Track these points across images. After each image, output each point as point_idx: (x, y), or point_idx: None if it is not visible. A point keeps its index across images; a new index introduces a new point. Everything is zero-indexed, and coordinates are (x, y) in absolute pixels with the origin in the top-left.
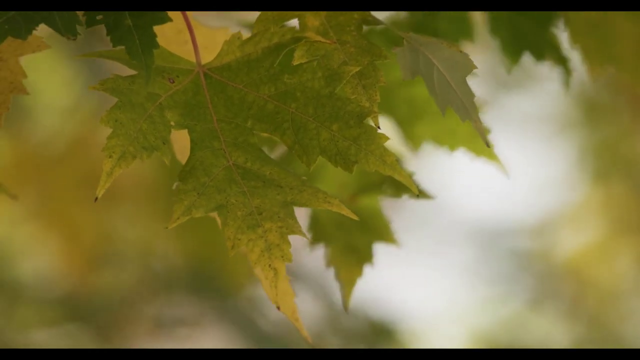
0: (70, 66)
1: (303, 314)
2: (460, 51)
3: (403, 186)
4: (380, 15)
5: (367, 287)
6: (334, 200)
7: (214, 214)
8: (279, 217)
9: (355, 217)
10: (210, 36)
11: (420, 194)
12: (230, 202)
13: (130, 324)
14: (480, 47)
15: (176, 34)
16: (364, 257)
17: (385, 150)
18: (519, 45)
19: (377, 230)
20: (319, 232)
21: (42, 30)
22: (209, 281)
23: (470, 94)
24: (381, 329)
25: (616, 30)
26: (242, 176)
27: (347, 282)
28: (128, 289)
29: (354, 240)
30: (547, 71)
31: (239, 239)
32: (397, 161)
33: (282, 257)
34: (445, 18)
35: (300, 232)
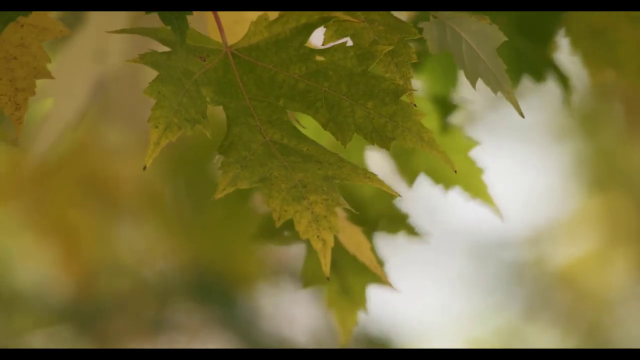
0: None
1: (301, 316)
2: (490, 24)
3: (399, 223)
4: None
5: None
6: (374, 175)
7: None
8: (322, 190)
9: (397, 194)
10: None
11: (416, 234)
12: (273, 175)
13: (128, 332)
14: None
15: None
16: (358, 302)
17: (422, 127)
18: (518, 68)
19: (371, 271)
20: (312, 274)
21: None
22: (210, 288)
23: (500, 65)
24: (376, 339)
25: (617, 35)
26: (280, 152)
27: (343, 327)
28: (127, 296)
29: (348, 283)
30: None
31: (286, 211)
32: (434, 138)
33: (330, 228)
34: None
35: (345, 205)
